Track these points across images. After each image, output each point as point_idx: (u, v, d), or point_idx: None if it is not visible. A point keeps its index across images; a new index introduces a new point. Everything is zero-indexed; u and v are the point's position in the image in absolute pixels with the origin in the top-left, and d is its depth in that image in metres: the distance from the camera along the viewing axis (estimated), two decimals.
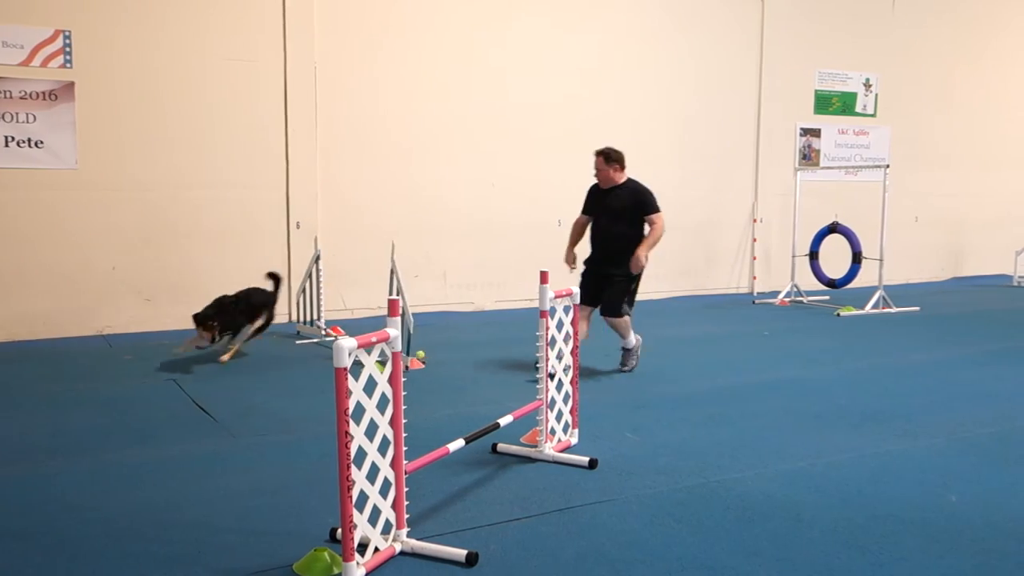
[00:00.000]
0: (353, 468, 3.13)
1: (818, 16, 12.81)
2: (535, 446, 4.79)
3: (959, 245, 14.70)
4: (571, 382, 4.99)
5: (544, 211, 10.78)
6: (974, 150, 14.60)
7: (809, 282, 11.77)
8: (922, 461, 4.82)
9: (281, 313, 9.52)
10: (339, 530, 3.32)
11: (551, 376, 4.76)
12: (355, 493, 3.15)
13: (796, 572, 3.41)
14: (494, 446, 4.85)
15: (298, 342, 8.39)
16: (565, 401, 4.95)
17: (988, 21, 14.54)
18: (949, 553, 3.58)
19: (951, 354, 8.08)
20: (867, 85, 13.44)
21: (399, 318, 3.51)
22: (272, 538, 3.67)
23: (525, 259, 10.34)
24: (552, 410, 4.80)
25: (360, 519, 3.21)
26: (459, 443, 4.05)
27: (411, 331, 7.09)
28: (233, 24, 9.14)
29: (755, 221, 12.54)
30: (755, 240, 12.56)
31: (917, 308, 10.99)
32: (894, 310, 10.70)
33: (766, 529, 3.82)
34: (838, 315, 10.39)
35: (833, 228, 11.31)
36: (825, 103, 13.11)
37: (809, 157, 13.02)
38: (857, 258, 11.09)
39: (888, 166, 11.00)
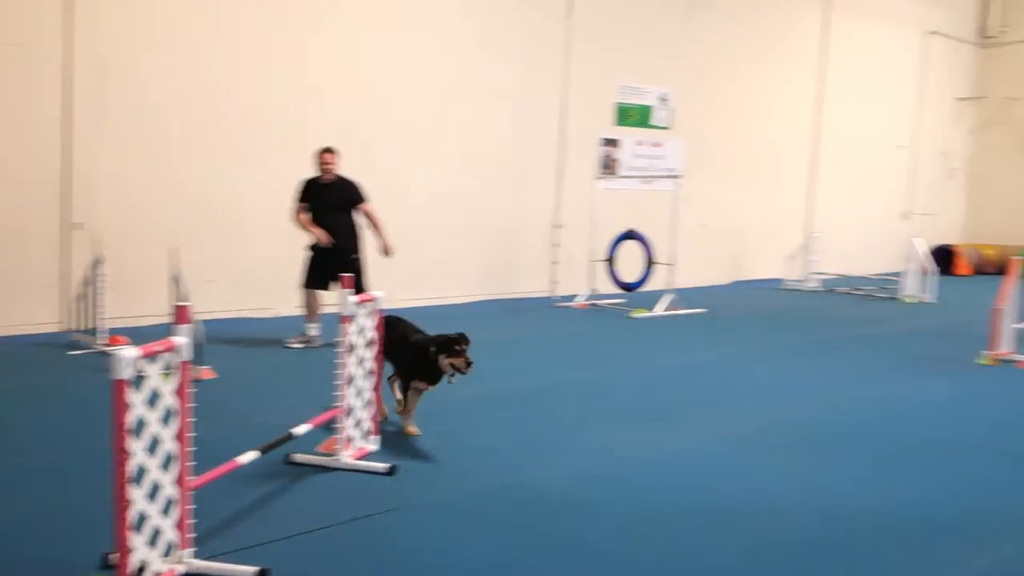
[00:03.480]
0: (132, 487, 2.95)
1: (620, 33, 13.38)
2: (332, 455, 4.71)
3: (740, 251, 15.78)
4: (372, 388, 4.95)
5: None
6: (754, 163, 15.72)
7: (607, 286, 12.26)
8: (703, 454, 5.14)
9: (53, 321, 8.84)
10: (113, 555, 3.13)
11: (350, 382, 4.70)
12: (133, 514, 2.97)
13: (590, 566, 3.55)
14: (288, 457, 4.73)
15: (72, 352, 7.77)
16: (365, 408, 4.90)
17: (772, 45, 15.70)
18: (724, 538, 3.84)
19: (732, 352, 8.65)
20: (663, 99, 14.17)
21: (187, 326, 3.35)
22: (36, 570, 3.40)
23: None
24: (351, 417, 4.75)
25: (138, 541, 3.04)
26: (252, 455, 3.93)
27: (201, 339, 6.78)
28: (7, 6, 8.41)
29: (557, 227, 12.92)
30: (557, 245, 12.93)
31: (704, 310, 11.70)
32: (683, 312, 11.34)
33: (560, 527, 3.95)
34: (632, 317, 10.89)
35: (629, 234, 11.85)
36: (625, 115, 13.69)
37: (608, 166, 13.56)
38: (650, 262, 11.67)
39: (680, 176, 11.61)
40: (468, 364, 5.08)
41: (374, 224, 8.33)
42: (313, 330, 8.38)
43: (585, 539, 3.81)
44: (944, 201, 20.31)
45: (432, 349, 5.15)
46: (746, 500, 4.34)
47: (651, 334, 9.77)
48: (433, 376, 5.27)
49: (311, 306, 8.40)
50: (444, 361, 5.10)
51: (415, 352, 5.28)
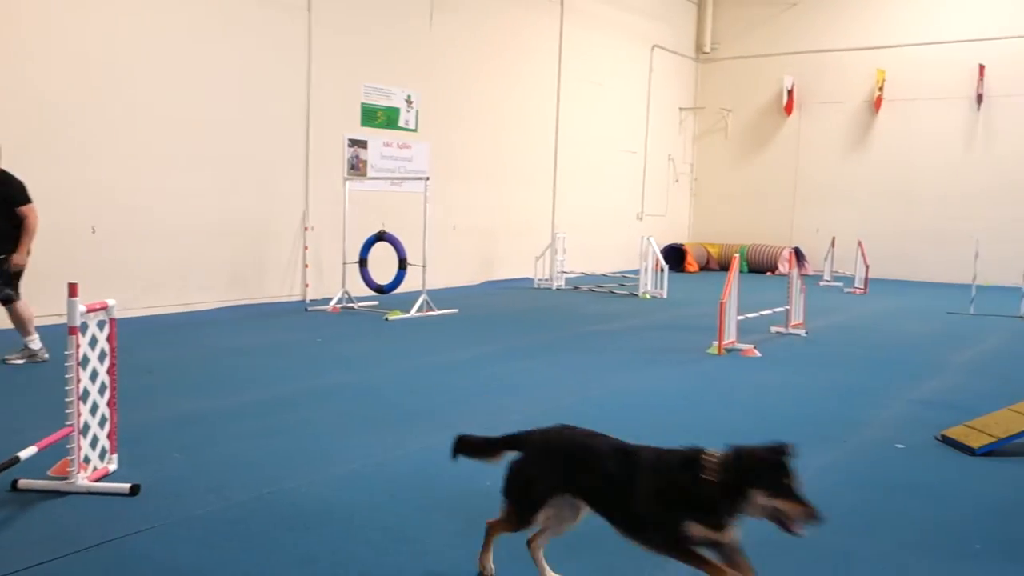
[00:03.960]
0: None
1: (363, 32, 13.28)
2: (67, 478, 4.31)
3: (491, 251, 16.21)
4: (108, 403, 4.58)
5: (75, 216, 9.80)
6: (499, 165, 16.22)
7: (359, 288, 12.15)
8: None
9: None
10: None
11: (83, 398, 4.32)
12: None
13: (350, 573, 3.48)
14: (15, 483, 4.26)
15: None
16: (101, 425, 4.52)
17: (512, 50, 16.24)
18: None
19: (486, 350, 8.86)
20: (409, 101, 14.25)
21: None
22: None
23: (52, 269, 9.30)
24: (86, 436, 4.36)
25: None
26: None
27: None
28: None
29: (307, 229, 12.63)
30: (307, 248, 12.65)
31: (456, 310, 11.89)
32: (436, 313, 11.46)
33: (321, 535, 3.85)
34: (387, 319, 10.86)
35: (380, 236, 11.81)
36: (371, 116, 13.63)
37: (357, 167, 13.44)
38: (403, 264, 11.70)
39: (428, 178, 11.75)
40: (812, 516, 2.80)
41: (24, 230, 7.32)
42: (33, 343, 7.58)
43: (347, 548, 3.74)
44: (673, 203, 22.02)
45: (727, 471, 2.87)
46: None
47: (407, 336, 9.79)
48: (719, 518, 2.92)
49: (12, 318, 7.50)
50: (762, 501, 2.83)
51: (672, 477, 2.99)
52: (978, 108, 18.84)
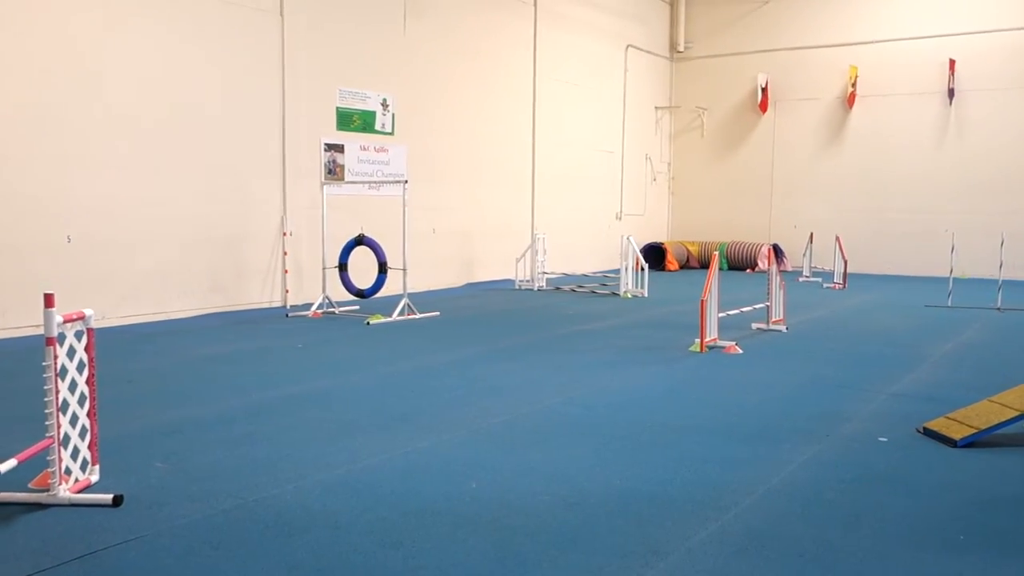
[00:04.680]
0: None
1: (337, 36, 13.24)
2: (47, 490, 4.26)
3: (471, 254, 16.21)
4: (88, 414, 4.53)
5: (50, 225, 9.70)
6: (479, 168, 16.22)
7: (340, 293, 12.10)
8: (446, 454, 5.20)
9: None
10: None
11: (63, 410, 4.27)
12: None
13: None
14: None
15: None
16: (82, 436, 4.48)
17: (487, 53, 16.24)
18: (472, 535, 3.90)
19: (467, 353, 8.84)
20: (384, 105, 14.21)
21: None
22: None
23: (28, 279, 9.20)
24: (66, 448, 4.31)
25: None
26: None
27: None
28: None
29: (286, 234, 12.57)
30: (286, 253, 12.59)
31: (438, 313, 11.87)
32: (418, 316, 11.44)
33: (305, 541, 3.82)
34: (368, 323, 10.82)
35: (360, 240, 11.77)
36: (347, 120, 13.59)
37: (334, 172, 13.40)
38: (383, 268, 11.67)
39: (406, 182, 11.73)
40: None
41: None
42: None
43: (332, 554, 3.71)
44: (651, 202, 22.09)
45: None
46: (491, 496, 4.44)
47: (389, 340, 9.76)
48: None
49: None
50: None
51: None
52: (950, 103, 19.02)
